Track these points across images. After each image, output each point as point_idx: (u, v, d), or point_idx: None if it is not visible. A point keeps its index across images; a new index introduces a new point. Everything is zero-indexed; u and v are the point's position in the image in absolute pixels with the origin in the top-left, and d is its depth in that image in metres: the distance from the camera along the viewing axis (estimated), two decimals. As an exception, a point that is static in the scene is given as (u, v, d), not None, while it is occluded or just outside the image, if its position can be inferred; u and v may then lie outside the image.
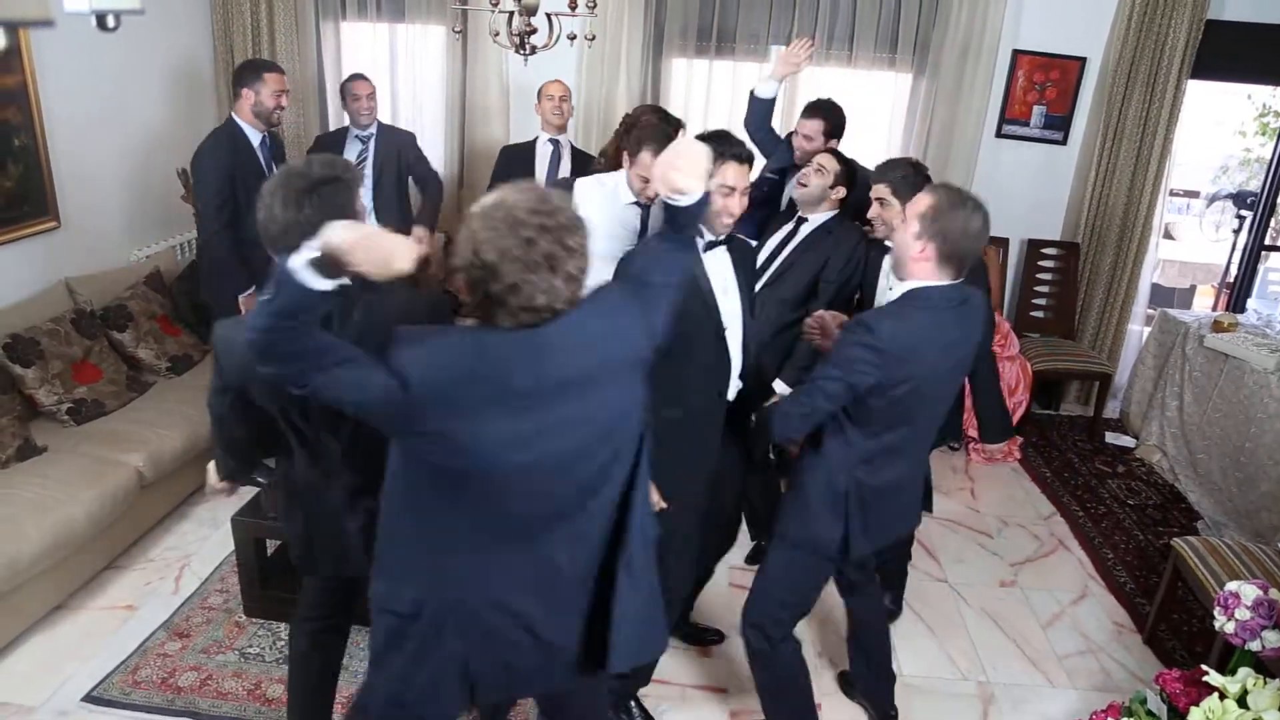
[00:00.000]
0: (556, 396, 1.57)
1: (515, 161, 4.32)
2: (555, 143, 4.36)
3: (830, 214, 3.33)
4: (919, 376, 2.19)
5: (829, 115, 3.69)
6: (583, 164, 4.32)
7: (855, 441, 2.28)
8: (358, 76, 4.44)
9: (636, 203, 2.79)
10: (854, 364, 2.14)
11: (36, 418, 3.53)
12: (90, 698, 2.82)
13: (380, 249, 1.46)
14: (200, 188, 3.72)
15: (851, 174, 3.33)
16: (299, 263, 1.44)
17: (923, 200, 2.23)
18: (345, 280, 1.49)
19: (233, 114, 3.78)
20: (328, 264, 1.44)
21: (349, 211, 1.81)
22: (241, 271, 3.68)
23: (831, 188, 3.28)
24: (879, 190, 2.91)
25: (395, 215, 4.51)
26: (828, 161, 3.30)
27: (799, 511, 2.39)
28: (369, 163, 4.42)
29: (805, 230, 3.35)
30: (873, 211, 2.93)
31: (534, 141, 4.39)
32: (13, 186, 3.71)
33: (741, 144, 2.38)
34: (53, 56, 3.82)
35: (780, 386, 3.09)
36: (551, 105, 4.30)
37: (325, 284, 1.46)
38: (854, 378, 2.15)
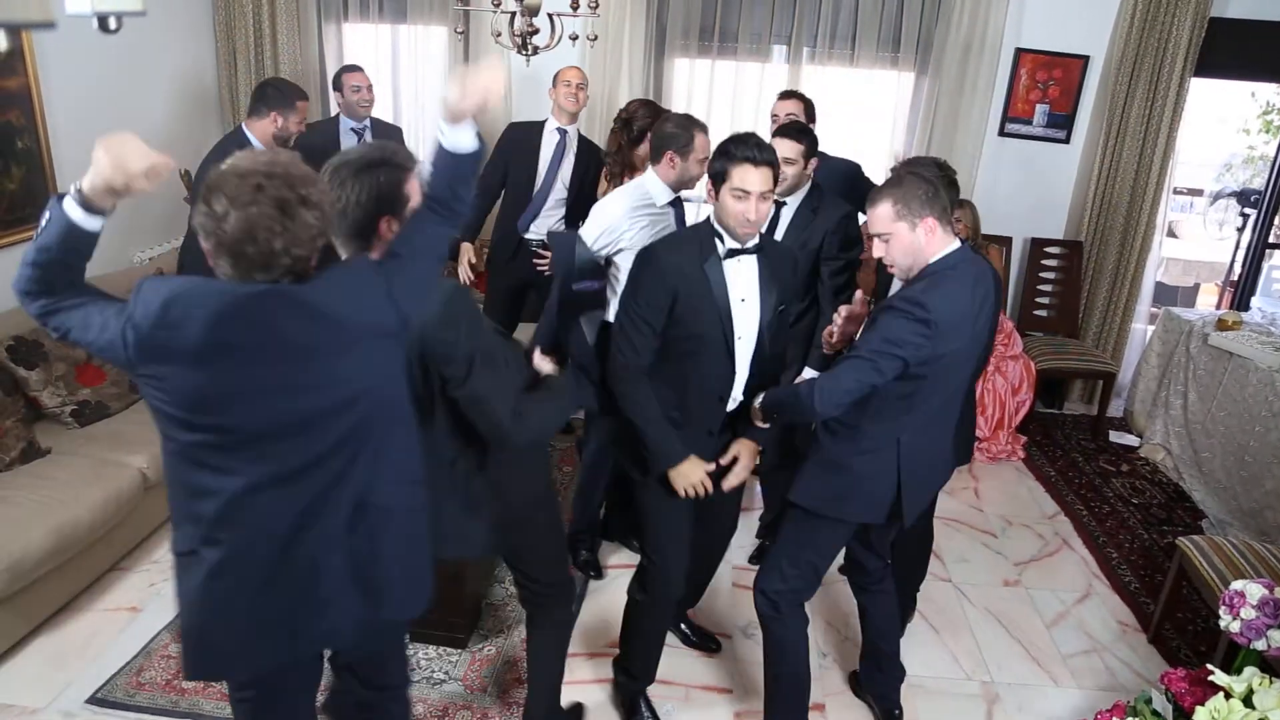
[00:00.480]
0: (281, 357, 1.59)
1: (520, 141, 4.18)
2: (563, 132, 4.20)
3: (806, 189, 3.26)
4: (961, 344, 2.30)
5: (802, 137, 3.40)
6: (590, 155, 4.22)
7: (898, 412, 2.34)
8: (355, 68, 4.41)
9: (671, 202, 3.05)
10: (908, 340, 2.20)
11: (40, 420, 3.54)
12: (95, 699, 2.82)
13: (118, 147, 1.56)
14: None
15: (811, 138, 3.23)
16: (68, 196, 1.57)
17: (883, 209, 2.29)
18: (104, 214, 1.61)
19: (244, 127, 3.70)
20: (95, 196, 1.57)
21: (399, 195, 1.85)
22: None
23: (804, 168, 3.19)
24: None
25: None
26: (789, 149, 3.15)
27: (835, 482, 2.43)
28: None
29: (787, 215, 3.29)
30: (878, 252, 2.41)
31: (542, 124, 4.21)
32: (16, 189, 3.72)
33: (765, 149, 2.31)
34: (55, 59, 3.82)
35: (809, 373, 3.12)
36: (568, 91, 4.11)
37: (88, 218, 1.59)
38: (909, 352, 2.21)
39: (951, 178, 2.57)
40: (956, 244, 2.31)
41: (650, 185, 3.07)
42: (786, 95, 3.82)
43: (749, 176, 2.28)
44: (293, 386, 1.61)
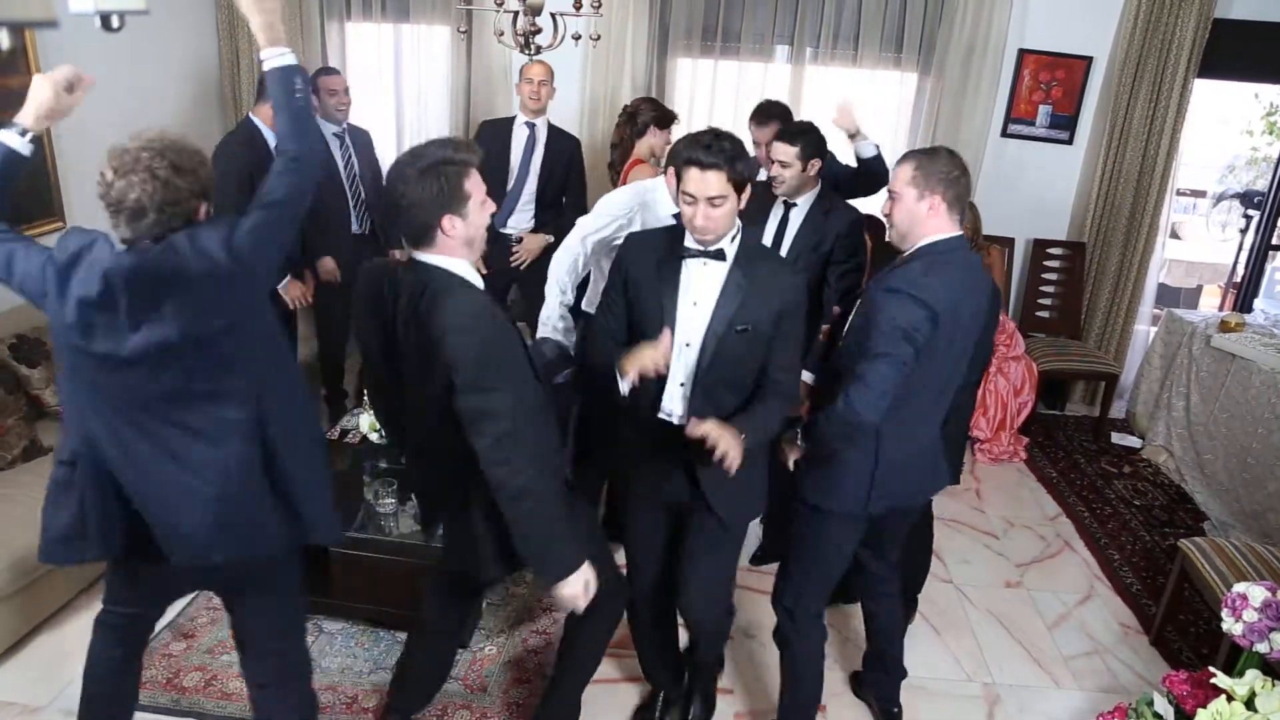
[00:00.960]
0: (154, 295, 1.85)
1: (492, 138, 4.26)
2: (531, 125, 4.28)
3: (816, 190, 3.24)
4: (958, 332, 2.28)
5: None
6: (561, 143, 4.28)
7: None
8: (331, 71, 4.33)
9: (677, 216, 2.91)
10: (915, 329, 2.16)
11: (42, 418, 3.54)
12: (96, 698, 2.82)
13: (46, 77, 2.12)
14: (219, 187, 3.68)
15: (817, 140, 3.18)
16: (5, 129, 2.01)
17: (904, 169, 2.31)
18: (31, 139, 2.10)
19: (251, 115, 3.80)
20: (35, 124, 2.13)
21: (460, 193, 1.96)
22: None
23: (804, 170, 3.16)
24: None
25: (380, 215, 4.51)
26: (783, 153, 3.14)
27: (827, 472, 2.40)
28: (354, 162, 4.34)
29: (798, 216, 3.27)
30: (886, 208, 2.53)
31: (512, 120, 4.33)
32: (21, 191, 3.71)
33: (714, 151, 2.11)
34: (59, 57, 3.81)
35: (806, 376, 3.07)
36: (530, 89, 4.19)
37: (24, 144, 2.16)
38: (920, 337, 2.17)
39: (963, 168, 2.55)
40: (958, 233, 2.30)
41: (659, 191, 3.05)
42: (762, 118, 3.67)
43: (693, 180, 2.13)
44: (158, 319, 1.85)
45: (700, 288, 2.26)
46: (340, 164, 4.26)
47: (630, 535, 2.62)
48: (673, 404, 2.35)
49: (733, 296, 2.23)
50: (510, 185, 4.27)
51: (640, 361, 2.15)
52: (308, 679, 2.40)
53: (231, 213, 3.63)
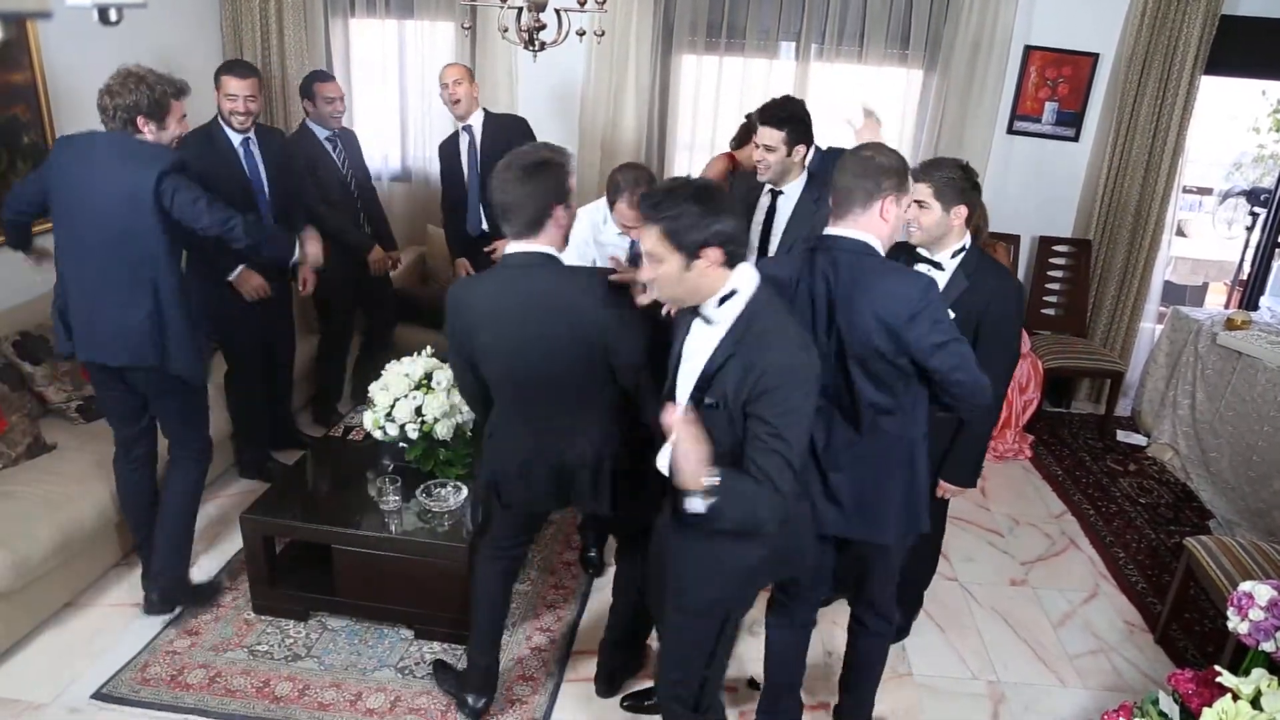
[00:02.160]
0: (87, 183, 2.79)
1: (448, 157, 4.32)
2: (467, 128, 4.25)
3: (803, 178, 3.16)
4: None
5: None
6: (500, 134, 4.17)
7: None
8: (327, 76, 4.24)
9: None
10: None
11: (46, 415, 3.54)
12: (100, 695, 2.83)
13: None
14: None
15: (803, 126, 3.09)
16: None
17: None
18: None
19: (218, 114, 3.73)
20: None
21: (565, 186, 2.24)
22: (221, 258, 3.61)
23: (789, 155, 3.08)
24: (919, 191, 2.54)
25: (380, 219, 4.52)
26: (768, 137, 3.05)
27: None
28: (349, 164, 4.30)
29: (786, 205, 3.20)
30: (910, 214, 2.52)
31: (456, 134, 4.31)
32: (22, 184, 3.72)
33: (646, 200, 1.92)
34: (61, 53, 3.82)
35: None
36: (445, 94, 4.18)
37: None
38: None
39: (975, 180, 2.55)
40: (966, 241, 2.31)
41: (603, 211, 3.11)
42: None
43: (648, 238, 1.92)
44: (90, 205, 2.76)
45: (692, 345, 2.06)
46: (339, 166, 4.24)
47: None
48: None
49: (742, 372, 1.92)
50: (467, 191, 4.31)
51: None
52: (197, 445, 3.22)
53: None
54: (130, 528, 3.30)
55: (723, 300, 1.94)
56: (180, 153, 2.88)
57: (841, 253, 2.16)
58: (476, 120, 4.24)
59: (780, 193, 3.23)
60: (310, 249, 3.35)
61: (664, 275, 1.91)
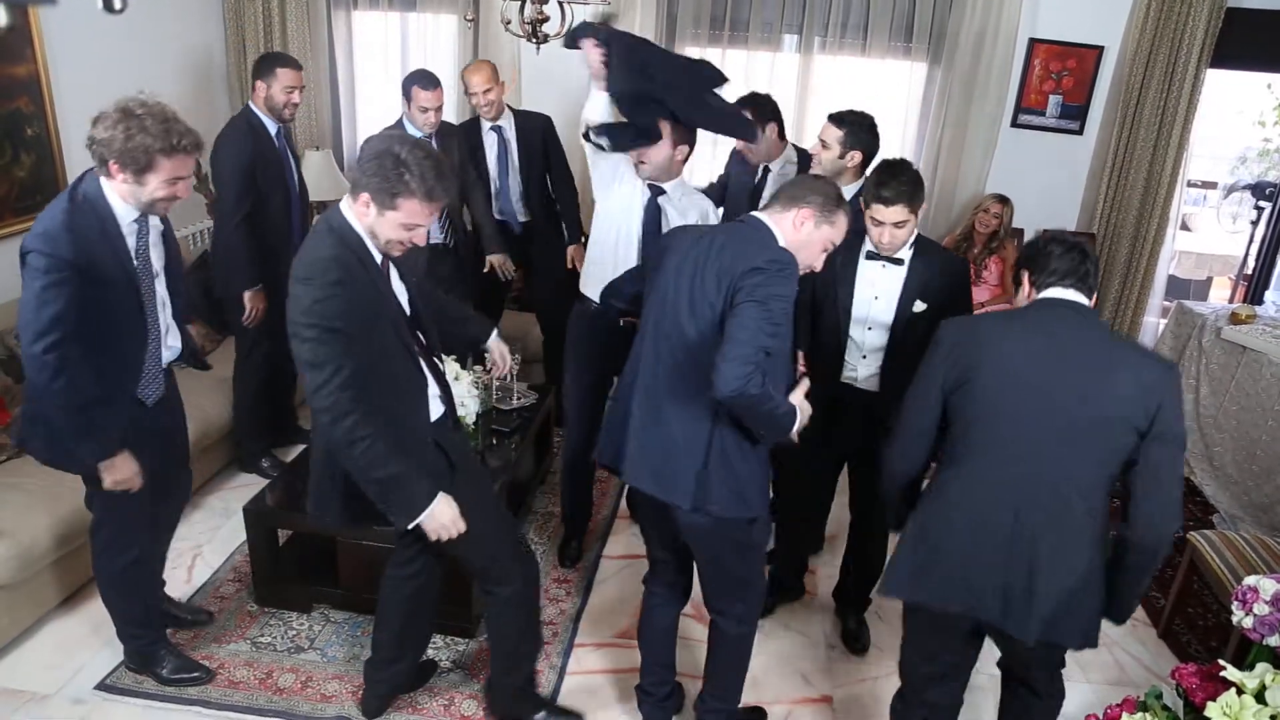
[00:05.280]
0: None
1: (466, 140, 4.18)
2: (497, 129, 4.20)
3: (857, 185, 3.09)
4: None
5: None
6: (531, 132, 4.21)
7: None
8: (427, 84, 3.91)
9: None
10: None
11: (50, 407, 3.54)
12: (103, 686, 2.83)
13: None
14: (220, 178, 3.66)
15: (865, 136, 3.10)
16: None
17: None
18: None
19: (249, 104, 3.73)
20: None
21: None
22: (252, 266, 3.67)
23: (840, 157, 3.11)
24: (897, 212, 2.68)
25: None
26: (827, 133, 3.11)
27: None
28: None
29: (773, 183, 3.30)
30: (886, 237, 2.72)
31: (478, 120, 4.22)
32: (25, 176, 3.72)
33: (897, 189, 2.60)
34: (64, 46, 3.81)
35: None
36: (478, 102, 4.05)
37: None
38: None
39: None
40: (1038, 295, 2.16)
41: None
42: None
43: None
44: None
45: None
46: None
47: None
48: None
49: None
50: (495, 185, 4.27)
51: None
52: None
53: (232, 202, 3.62)
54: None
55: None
56: (65, 229, 2.24)
57: (740, 224, 2.34)
58: (508, 121, 4.20)
59: (769, 169, 3.41)
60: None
61: (906, 234, 2.68)
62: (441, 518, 2.24)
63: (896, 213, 2.63)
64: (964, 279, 2.84)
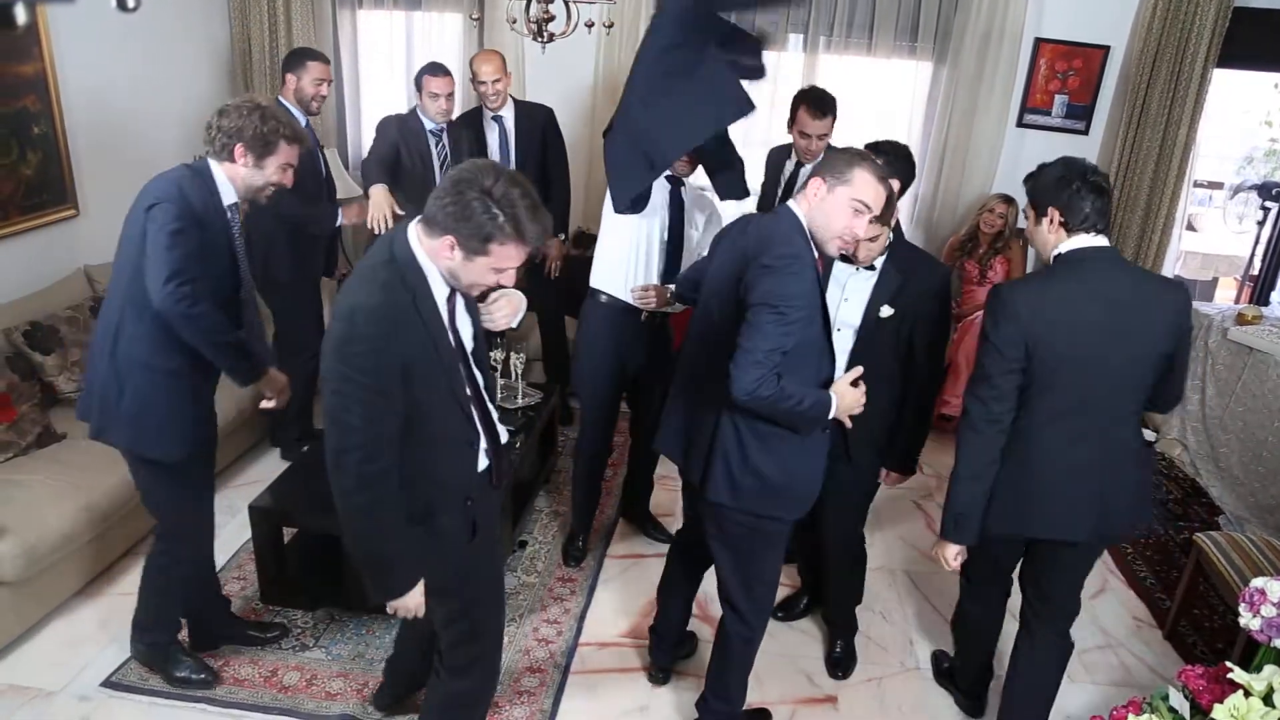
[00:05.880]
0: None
1: (467, 130, 4.22)
2: (499, 119, 4.26)
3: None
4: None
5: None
6: (532, 123, 4.26)
7: None
8: (435, 71, 4.05)
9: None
10: None
11: (56, 405, 3.55)
12: (110, 683, 2.84)
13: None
14: None
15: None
16: None
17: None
18: None
19: (280, 98, 3.83)
20: None
21: None
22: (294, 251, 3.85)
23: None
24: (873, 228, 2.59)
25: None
26: (817, 128, 3.30)
27: None
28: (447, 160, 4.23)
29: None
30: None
31: (480, 111, 4.27)
32: (32, 175, 3.73)
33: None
34: (71, 44, 3.82)
35: None
36: (485, 90, 4.12)
37: None
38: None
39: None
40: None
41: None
42: (817, 107, 3.62)
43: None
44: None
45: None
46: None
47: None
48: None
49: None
50: None
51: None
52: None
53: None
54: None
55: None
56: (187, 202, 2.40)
57: (772, 214, 2.38)
58: (509, 112, 4.27)
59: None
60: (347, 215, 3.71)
61: (879, 246, 2.59)
62: (408, 602, 2.05)
63: (869, 228, 2.47)
64: (942, 287, 2.74)
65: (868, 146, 3.06)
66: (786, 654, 3.17)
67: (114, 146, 4.16)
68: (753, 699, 2.93)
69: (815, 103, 3.51)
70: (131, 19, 3.91)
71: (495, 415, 2.18)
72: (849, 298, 2.74)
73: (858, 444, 2.74)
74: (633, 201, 2.97)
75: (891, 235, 2.69)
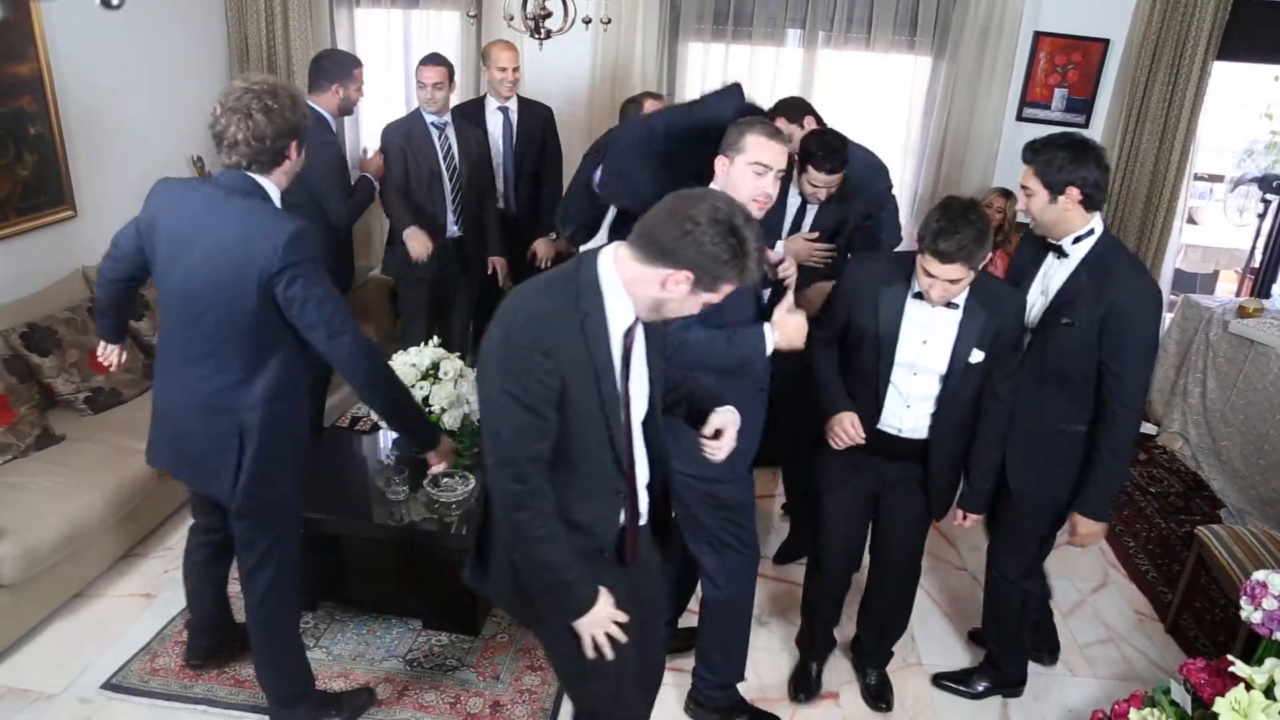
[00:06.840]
0: (186, 236, 2.20)
1: (469, 121, 4.24)
2: (504, 109, 4.33)
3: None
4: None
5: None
6: (534, 118, 4.35)
7: None
8: (429, 59, 4.00)
9: None
10: None
11: (54, 407, 3.55)
12: (110, 685, 2.84)
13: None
14: (325, 172, 3.59)
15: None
16: None
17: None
18: None
19: (314, 105, 3.56)
20: None
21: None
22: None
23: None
24: (1024, 174, 2.47)
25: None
26: (823, 181, 3.20)
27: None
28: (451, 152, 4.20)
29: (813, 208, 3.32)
30: (1020, 203, 2.53)
31: (482, 100, 4.32)
32: (29, 176, 3.72)
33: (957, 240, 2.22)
34: (67, 44, 3.81)
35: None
36: (504, 77, 4.19)
37: None
38: None
39: (1090, 154, 2.40)
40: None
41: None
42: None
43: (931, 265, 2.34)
44: (186, 263, 2.18)
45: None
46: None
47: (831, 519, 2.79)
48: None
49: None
50: (498, 169, 4.36)
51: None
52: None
53: (339, 192, 3.66)
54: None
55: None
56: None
57: None
58: (513, 103, 4.33)
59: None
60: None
61: (959, 289, 2.33)
62: (598, 614, 1.86)
63: (954, 270, 2.25)
64: (1020, 318, 2.53)
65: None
66: (788, 652, 3.17)
67: (111, 147, 4.15)
68: (753, 696, 2.93)
69: (825, 159, 3.29)
70: (128, 18, 3.90)
71: (644, 481, 1.99)
72: (928, 340, 2.46)
73: (938, 474, 2.63)
74: (573, 231, 3.05)
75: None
